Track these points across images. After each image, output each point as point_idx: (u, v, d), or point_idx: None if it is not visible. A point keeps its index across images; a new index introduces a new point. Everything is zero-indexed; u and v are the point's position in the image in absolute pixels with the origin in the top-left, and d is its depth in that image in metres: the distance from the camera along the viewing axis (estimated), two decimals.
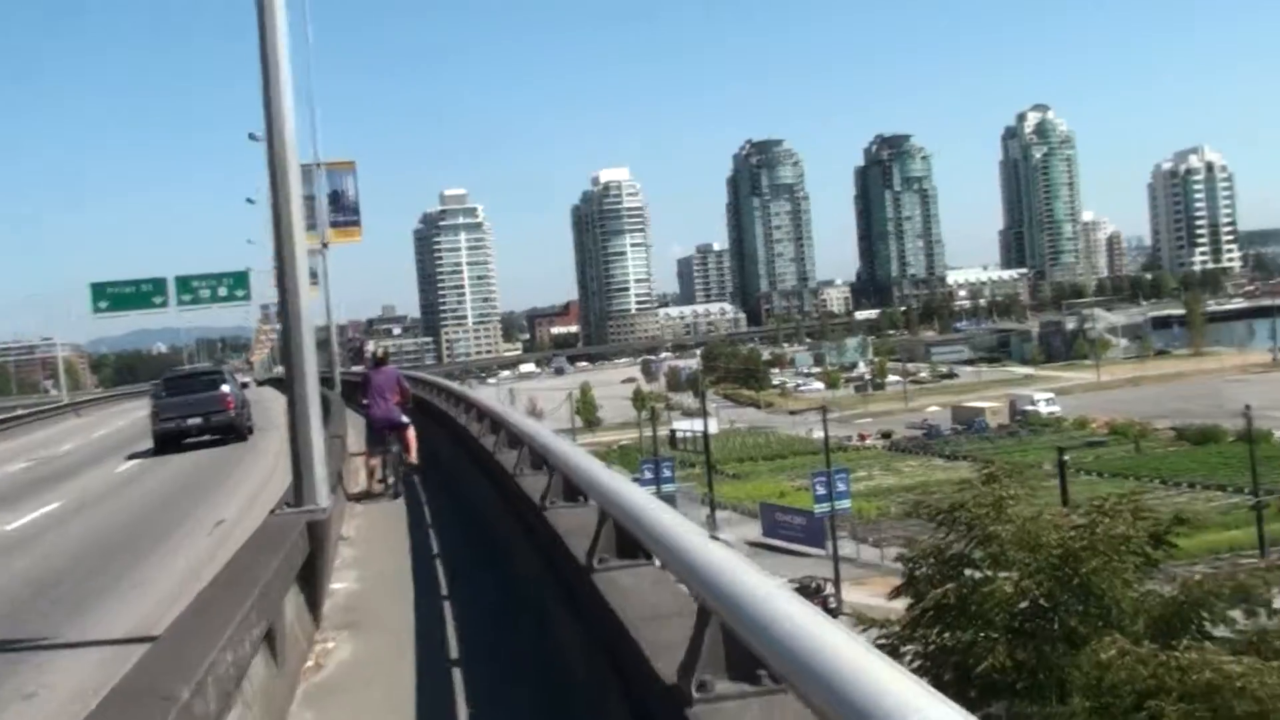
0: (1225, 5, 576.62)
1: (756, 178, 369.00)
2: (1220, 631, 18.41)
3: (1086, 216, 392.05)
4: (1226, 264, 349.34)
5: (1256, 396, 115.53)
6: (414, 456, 17.97)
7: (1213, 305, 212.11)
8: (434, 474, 18.81)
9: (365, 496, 17.33)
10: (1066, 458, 53.41)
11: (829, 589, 52.13)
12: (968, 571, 19.02)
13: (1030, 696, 17.65)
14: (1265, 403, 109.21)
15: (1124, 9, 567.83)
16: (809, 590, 51.60)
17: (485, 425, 15.27)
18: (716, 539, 4.06)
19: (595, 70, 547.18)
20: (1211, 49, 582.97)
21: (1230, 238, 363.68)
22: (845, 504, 57.06)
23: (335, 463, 14.02)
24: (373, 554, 12.97)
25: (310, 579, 8.42)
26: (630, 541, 5.73)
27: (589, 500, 7.25)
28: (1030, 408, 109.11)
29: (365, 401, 18.21)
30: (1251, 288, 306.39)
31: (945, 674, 18.59)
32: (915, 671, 19.81)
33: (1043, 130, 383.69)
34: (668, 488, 69.14)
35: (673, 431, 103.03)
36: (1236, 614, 19.20)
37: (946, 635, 18.78)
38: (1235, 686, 16.91)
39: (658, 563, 5.49)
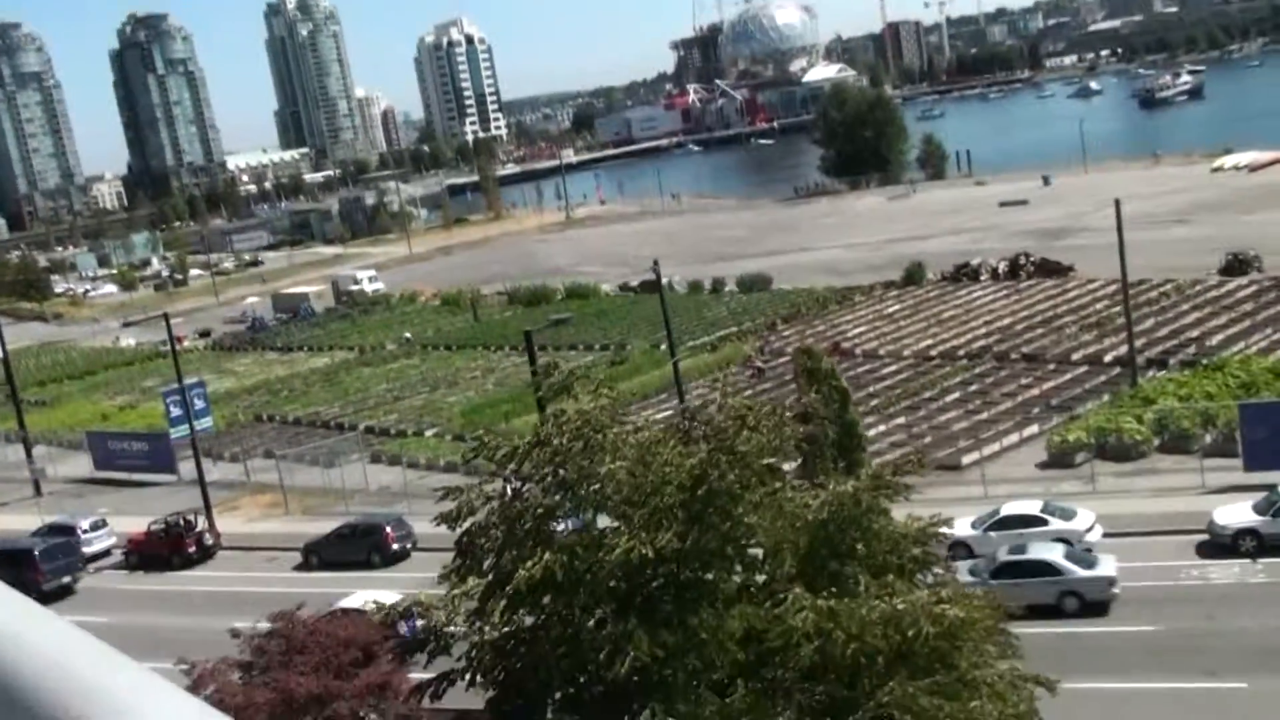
0: None
1: None
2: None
3: (360, 93, 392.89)
4: (495, 132, 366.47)
5: (562, 254, 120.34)
6: None
7: (498, 171, 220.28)
8: None
9: None
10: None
11: (201, 523, 44.66)
12: (559, 527, 13.86)
13: (674, 692, 12.92)
14: (574, 259, 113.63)
15: None
16: (180, 527, 44.09)
17: None
18: None
19: None
20: None
21: (495, 107, 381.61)
22: (207, 422, 49.30)
23: None
24: None
25: None
26: None
27: None
28: (355, 287, 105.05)
29: None
30: (520, 153, 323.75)
31: (553, 676, 13.43)
32: (498, 673, 14.37)
33: (305, 7, 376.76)
34: None
35: None
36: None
37: (544, 618, 13.57)
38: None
39: None
